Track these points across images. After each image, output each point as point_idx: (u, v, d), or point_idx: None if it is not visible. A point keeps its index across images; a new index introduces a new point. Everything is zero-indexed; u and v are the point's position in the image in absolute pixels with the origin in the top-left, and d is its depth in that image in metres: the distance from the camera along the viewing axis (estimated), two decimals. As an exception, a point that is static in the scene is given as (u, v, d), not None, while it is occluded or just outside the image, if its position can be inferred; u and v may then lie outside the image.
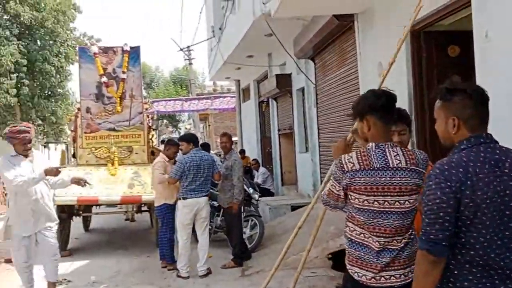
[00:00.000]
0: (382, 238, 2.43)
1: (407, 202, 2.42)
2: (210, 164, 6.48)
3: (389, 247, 2.44)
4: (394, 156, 2.46)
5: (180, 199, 6.39)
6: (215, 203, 7.41)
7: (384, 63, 5.85)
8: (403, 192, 2.42)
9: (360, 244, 2.49)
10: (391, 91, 2.61)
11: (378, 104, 2.49)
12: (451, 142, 2.08)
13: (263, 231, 7.44)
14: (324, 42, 7.95)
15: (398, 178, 2.42)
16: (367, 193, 2.43)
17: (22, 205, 4.96)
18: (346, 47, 7.40)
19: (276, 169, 12.61)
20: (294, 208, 8.92)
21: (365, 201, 2.44)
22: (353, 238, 2.54)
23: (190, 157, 6.38)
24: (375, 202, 2.43)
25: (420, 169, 2.47)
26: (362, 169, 2.44)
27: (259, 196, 8.39)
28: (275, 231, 7.88)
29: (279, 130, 12.29)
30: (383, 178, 2.42)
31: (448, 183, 1.91)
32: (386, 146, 2.48)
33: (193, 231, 6.56)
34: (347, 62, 7.36)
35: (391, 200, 2.42)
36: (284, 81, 10.54)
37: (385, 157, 2.45)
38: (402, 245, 2.44)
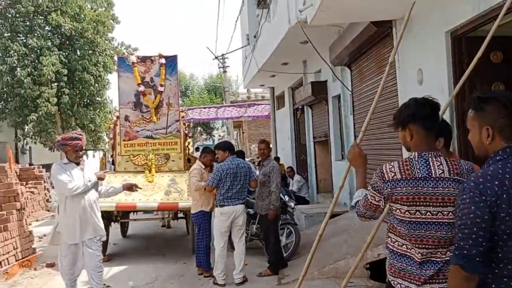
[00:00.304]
0: (424, 250, 2.38)
1: (450, 213, 2.36)
2: (246, 171, 6.50)
3: (433, 259, 2.38)
4: (437, 165, 2.41)
5: (217, 206, 6.44)
6: (251, 211, 7.41)
7: (424, 69, 5.76)
8: (446, 202, 2.36)
9: (402, 255, 2.45)
10: (434, 100, 2.56)
11: (422, 113, 2.45)
12: (486, 152, 2.03)
13: (299, 240, 7.39)
14: (361, 49, 7.86)
15: (441, 189, 2.37)
16: (408, 203, 2.39)
17: (71, 213, 5.03)
18: (384, 54, 7.30)
19: (311, 177, 12.53)
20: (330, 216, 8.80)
21: (407, 212, 2.40)
22: (394, 249, 2.50)
23: (227, 165, 6.41)
24: (417, 213, 2.38)
25: (464, 180, 2.39)
26: (403, 178, 2.40)
27: (295, 204, 8.35)
28: (311, 239, 7.77)
29: (314, 137, 12.20)
30: (425, 188, 2.37)
31: (483, 197, 1.85)
32: (429, 155, 2.43)
33: (229, 238, 6.59)
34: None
35: (434, 211, 2.37)
36: (319, 88, 10.47)
37: (428, 166, 2.40)
38: (447, 257, 2.37)
